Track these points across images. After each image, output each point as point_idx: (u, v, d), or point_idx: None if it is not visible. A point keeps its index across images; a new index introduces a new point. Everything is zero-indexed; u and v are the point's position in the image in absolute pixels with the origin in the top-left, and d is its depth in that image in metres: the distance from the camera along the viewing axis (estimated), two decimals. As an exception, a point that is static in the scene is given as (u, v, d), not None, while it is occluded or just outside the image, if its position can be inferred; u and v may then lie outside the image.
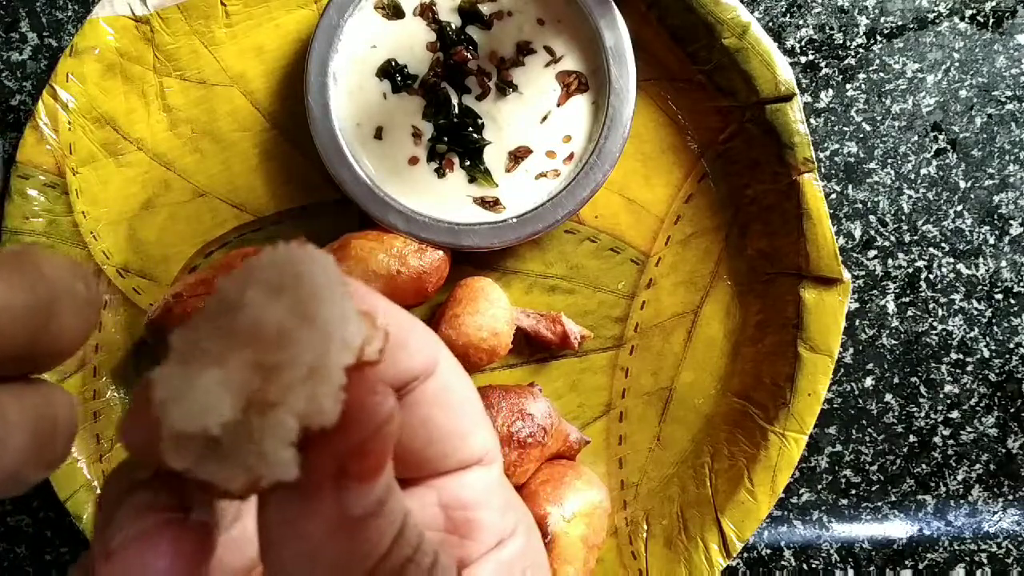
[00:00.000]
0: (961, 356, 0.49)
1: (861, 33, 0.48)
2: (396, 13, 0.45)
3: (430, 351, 0.24)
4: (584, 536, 0.43)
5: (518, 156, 0.45)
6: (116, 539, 0.18)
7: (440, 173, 0.45)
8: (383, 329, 0.19)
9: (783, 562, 0.50)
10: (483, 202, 0.45)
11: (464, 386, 0.26)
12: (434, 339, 0.25)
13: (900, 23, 0.48)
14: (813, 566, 0.50)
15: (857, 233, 0.49)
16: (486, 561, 0.24)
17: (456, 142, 0.45)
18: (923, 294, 0.49)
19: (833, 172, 0.49)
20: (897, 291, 0.49)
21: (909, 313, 0.49)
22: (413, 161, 0.45)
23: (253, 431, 0.16)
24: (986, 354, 0.49)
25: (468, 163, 0.45)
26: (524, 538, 0.26)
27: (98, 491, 0.46)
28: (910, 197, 0.49)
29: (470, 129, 0.45)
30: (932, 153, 0.49)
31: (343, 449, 0.17)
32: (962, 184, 0.49)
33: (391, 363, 0.22)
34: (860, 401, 0.50)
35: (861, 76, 0.48)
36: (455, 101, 0.45)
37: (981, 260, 0.49)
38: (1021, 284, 0.49)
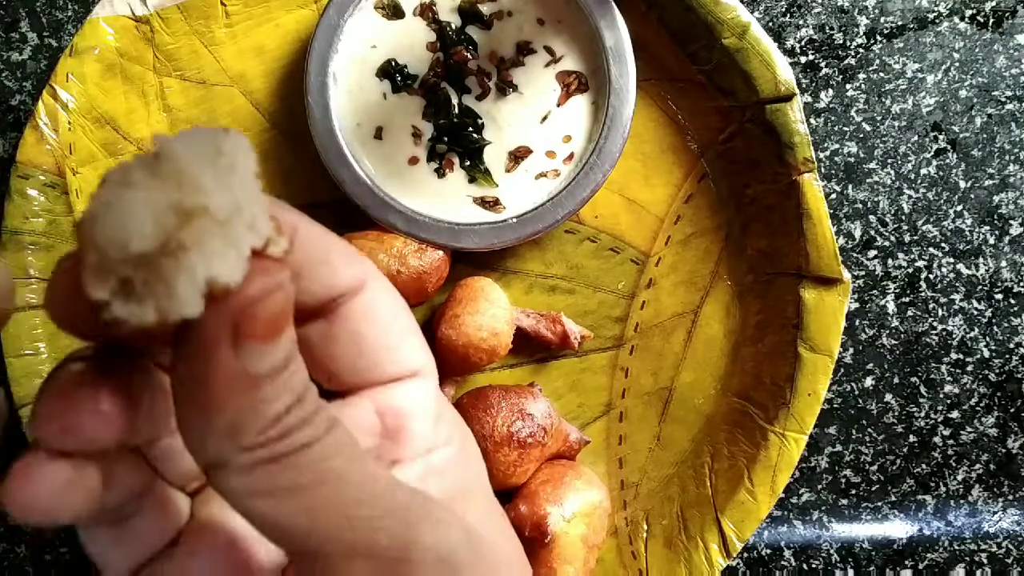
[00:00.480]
0: (961, 356, 0.49)
1: (861, 33, 0.48)
2: (396, 13, 0.45)
3: (355, 270, 0.26)
4: (584, 536, 0.43)
5: (518, 156, 0.45)
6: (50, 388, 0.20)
7: (440, 173, 0.45)
8: (288, 237, 0.21)
9: (783, 562, 0.50)
10: (483, 202, 0.45)
11: (393, 304, 0.28)
12: (360, 259, 0.27)
13: (900, 23, 0.48)
14: (813, 566, 0.50)
15: (857, 233, 0.49)
16: (414, 463, 0.26)
17: (456, 142, 0.45)
18: (923, 294, 0.49)
19: (833, 172, 0.49)
20: (897, 291, 0.49)
21: (909, 313, 0.49)
22: (413, 161, 0.45)
23: (165, 269, 0.18)
24: (986, 354, 0.49)
25: (468, 163, 0.45)
26: (458, 448, 0.28)
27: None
28: (910, 197, 0.49)
29: (470, 129, 0.45)
30: (932, 153, 0.49)
31: (237, 306, 0.19)
32: (962, 184, 0.49)
33: (314, 277, 0.25)
34: (860, 401, 0.50)
35: (861, 76, 0.48)
36: (455, 101, 0.45)
37: (981, 260, 0.49)
38: (1021, 284, 0.49)
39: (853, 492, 0.50)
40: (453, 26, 0.45)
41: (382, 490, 0.22)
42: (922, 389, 0.50)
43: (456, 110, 0.45)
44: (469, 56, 0.45)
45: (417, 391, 0.28)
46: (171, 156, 0.19)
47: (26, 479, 0.20)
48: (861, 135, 0.49)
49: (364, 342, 0.26)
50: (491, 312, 0.44)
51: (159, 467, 0.25)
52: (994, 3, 0.48)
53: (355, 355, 0.26)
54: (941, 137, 0.49)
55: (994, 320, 0.49)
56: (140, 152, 0.47)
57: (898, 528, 0.50)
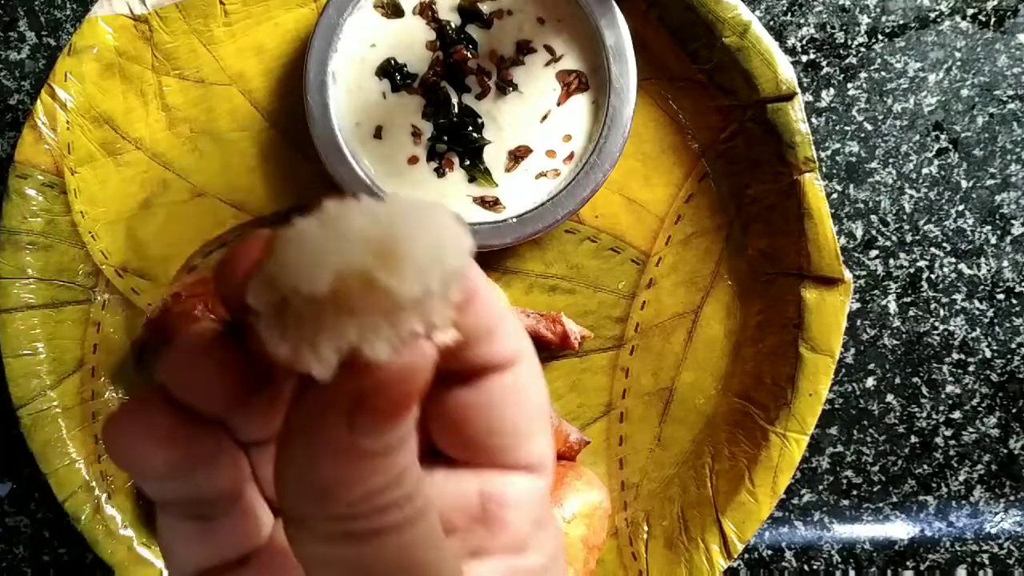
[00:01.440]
0: (963, 356, 0.49)
1: (862, 32, 0.48)
2: (395, 12, 0.45)
3: (514, 346, 0.24)
4: (584, 537, 0.43)
5: (518, 156, 0.45)
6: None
7: (440, 172, 0.45)
8: (458, 330, 0.21)
9: (784, 563, 0.50)
10: (483, 202, 0.45)
11: (537, 391, 0.26)
12: (522, 336, 0.25)
13: (902, 22, 0.48)
14: (814, 567, 0.50)
15: (858, 233, 0.49)
16: (499, 559, 0.25)
17: (456, 141, 0.45)
18: (925, 294, 0.49)
19: (834, 171, 0.49)
20: (899, 291, 0.49)
21: (911, 313, 0.49)
22: (413, 160, 0.45)
23: (322, 319, 0.18)
24: (988, 354, 0.49)
25: (468, 163, 0.45)
26: (547, 560, 0.26)
27: (96, 492, 0.46)
28: (912, 197, 0.49)
29: (470, 128, 0.45)
30: (934, 152, 0.49)
31: (369, 384, 0.18)
32: (964, 184, 0.49)
33: (473, 348, 0.23)
34: (861, 401, 0.49)
35: (862, 75, 0.48)
36: (455, 100, 0.45)
37: (983, 260, 0.49)
38: (1023, 284, 0.49)
39: (854, 493, 0.50)
40: (453, 25, 0.45)
41: None
42: (924, 389, 0.49)
43: (456, 109, 0.45)
44: (469, 55, 0.45)
45: (529, 487, 0.26)
46: (391, 222, 0.18)
47: (136, 414, 0.20)
48: (862, 134, 0.48)
49: (497, 421, 0.25)
50: (491, 312, 0.43)
51: (259, 474, 0.24)
52: (996, 2, 0.48)
53: (483, 432, 0.25)
54: (943, 136, 0.49)
55: (996, 320, 0.49)
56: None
57: (899, 529, 0.50)
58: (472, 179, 0.45)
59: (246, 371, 0.20)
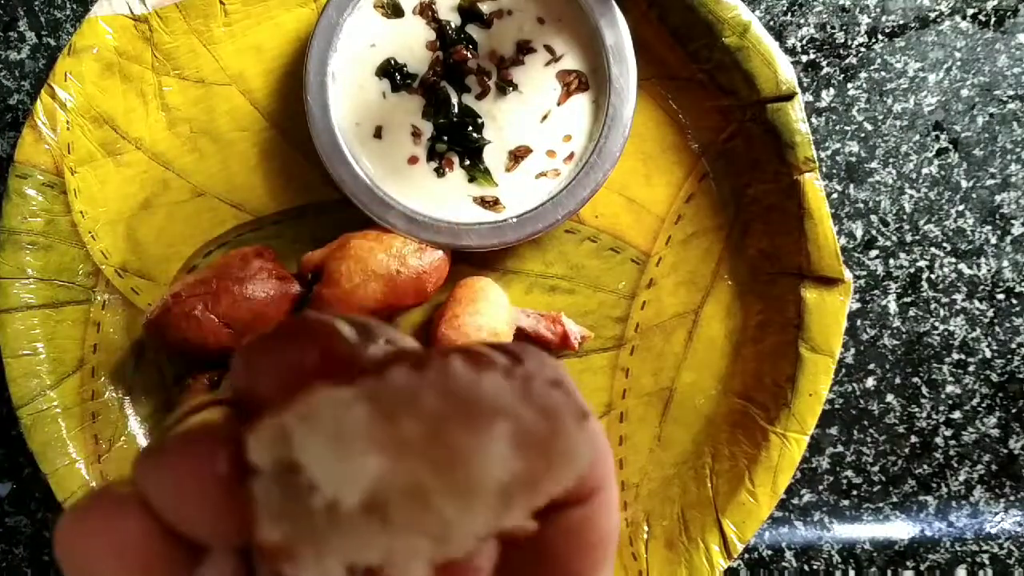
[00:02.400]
0: (963, 356, 0.49)
1: (862, 32, 0.48)
2: (395, 12, 0.45)
3: (595, 482, 0.20)
4: (584, 537, 0.43)
5: (518, 155, 0.45)
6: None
7: (440, 172, 0.45)
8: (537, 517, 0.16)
9: (784, 563, 0.50)
10: (483, 202, 0.45)
11: (607, 526, 0.21)
12: (607, 467, 0.20)
13: (902, 22, 0.48)
14: (814, 567, 0.50)
15: (858, 233, 0.49)
16: None
17: (456, 141, 0.45)
18: (925, 294, 0.49)
19: (834, 171, 0.49)
20: (899, 291, 0.49)
21: (911, 313, 0.49)
22: (413, 160, 0.45)
23: (338, 523, 0.13)
24: (988, 354, 0.49)
25: (468, 162, 0.45)
26: None
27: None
28: (912, 197, 0.49)
29: (470, 128, 0.45)
30: (934, 152, 0.49)
31: None
32: (964, 184, 0.49)
33: (556, 482, 0.18)
34: (861, 401, 0.49)
35: (862, 75, 0.48)
36: (455, 100, 0.45)
37: (983, 260, 0.49)
38: (1023, 284, 0.49)
39: (854, 493, 0.50)
40: (453, 25, 0.45)
41: None
42: (924, 389, 0.49)
43: (456, 109, 0.45)
44: (469, 55, 0.45)
45: None
46: (471, 414, 0.13)
47: (101, 520, 0.16)
48: (862, 134, 0.48)
49: (557, 559, 0.20)
50: (491, 312, 0.44)
51: None
52: (996, 2, 0.48)
53: (537, 568, 0.20)
54: (943, 136, 0.49)
55: (996, 320, 0.49)
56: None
57: (900, 529, 0.50)
58: (472, 179, 0.45)
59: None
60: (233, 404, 0.16)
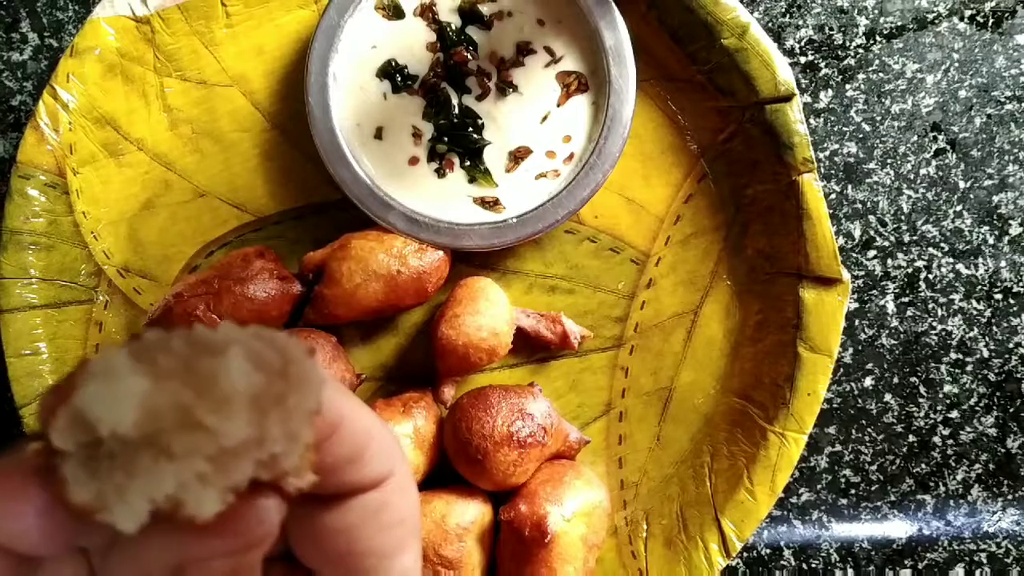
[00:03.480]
0: (960, 356, 0.49)
1: (860, 33, 0.48)
2: (396, 13, 0.45)
3: (384, 467, 0.23)
4: (584, 536, 0.43)
5: (518, 156, 0.45)
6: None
7: (440, 173, 0.45)
8: (318, 466, 0.19)
9: (783, 562, 0.50)
10: (483, 202, 0.46)
11: (405, 506, 0.25)
12: (394, 451, 0.24)
13: (899, 23, 0.48)
14: (813, 566, 0.50)
15: (856, 233, 0.49)
16: None
17: (456, 142, 0.45)
18: (922, 294, 0.49)
19: (833, 172, 0.49)
20: (896, 291, 0.49)
21: (908, 313, 0.49)
22: (413, 161, 0.45)
23: (133, 465, 0.15)
24: (985, 354, 0.49)
25: (468, 163, 0.45)
26: None
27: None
28: (909, 197, 0.49)
29: (470, 129, 0.45)
30: (931, 153, 0.49)
31: (191, 553, 0.16)
32: (961, 184, 0.49)
33: (340, 473, 0.22)
34: (859, 401, 0.50)
35: (860, 76, 0.48)
36: (455, 101, 0.45)
37: (980, 260, 0.49)
38: (1020, 284, 0.49)
39: (852, 492, 0.50)
40: (453, 26, 0.45)
41: None
42: (921, 389, 0.50)
43: (456, 110, 0.45)
44: (469, 56, 0.45)
45: None
46: (218, 352, 0.16)
47: None
48: (861, 135, 0.49)
49: (360, 542, 0.23)
50: (491, 312, 0.44)
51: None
52: (993, 3, 0.48)
53: (345, 552, 0.23)
54: (940, 137, 0.49)
55: (993, 320, 0.49)
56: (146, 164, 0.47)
57: (897, 528, 0.50)
58: (472, 179, 0.45)
59: (68, 516, 0.17)
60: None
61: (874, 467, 0.50)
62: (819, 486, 0.50)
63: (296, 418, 0.17)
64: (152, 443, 0.15)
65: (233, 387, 0.16)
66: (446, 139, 0.45)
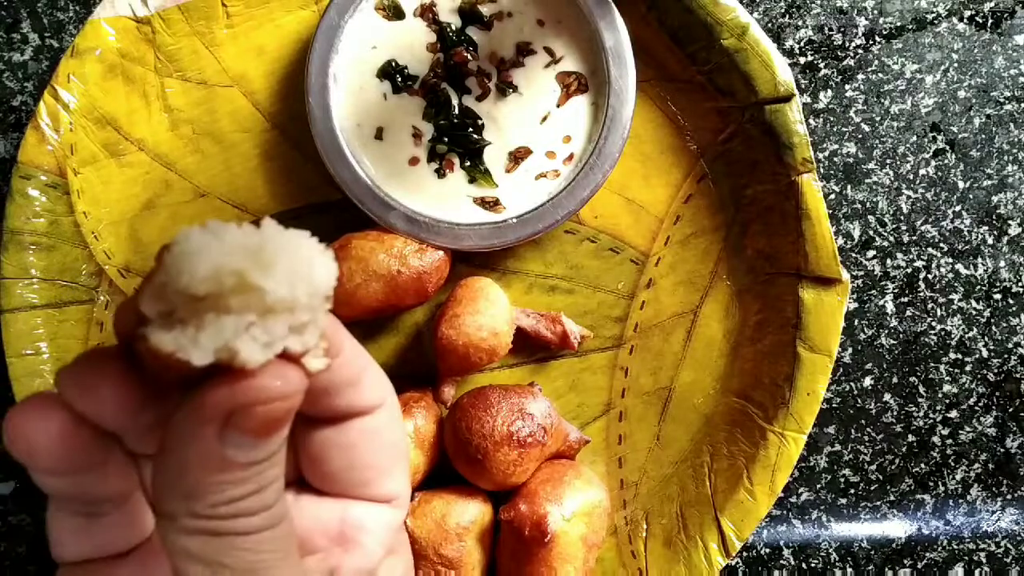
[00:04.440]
0: (960, 356, 0.50)
1: (860, 34, 0.48)
2: (396, 14, 0.45)
3: (378, 394, 0.28)
4: (584, 535, 0.43)
5: (518, 156, 0.46)
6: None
7: (440, 173, 0.46)
8: (330, 358, 0.23)
9: (782, 561, 0.50)
10: (483, 202, 0.46)
11: (396, 433, 0.30)
12: (385, 384, 0.29)
13: (899, 24, 0.48)
14: (812, 565, 0.50)
15: (856, 233, 0.49)
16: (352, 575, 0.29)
17: (456, 142, 0.45)
18: (922, 294, 0.49)
19: (832, 172, 0.49)
20: (896, 291, 0.49)
21: (908, 313, 0.49)
22: (413, 161, 0.45)
23: (203, 316, 0.20)
24: (985, 354, 0.50)
25: (468, 163, 0.46)
26: None
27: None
28: (909, 197, 0.49)
29: (470, 130, 0.45)
30: (931, 153, 0.49)
31: (239, 397, 0.21)
32: (961, 184, 0.49)
33: (340, 395, 0.27)
34: (859, 401, 0.50)
35: (860, 77, 0.49)
36: (455, 102, 0.45)
37: (980, 260, 0.49)
38: (1019, 284, 0.49)
39: (852, 491, 0.50)
40: (453, 27, 0.45)
41: None
42: (921, 389, 0.50)
43: (456, 111, 0.45)
44: (469, 57, 0.45)
45: (385, 517, 0.30)
46: (265, 235, 0.21)
47: (36, 411, 0.22)
48: (860, 135, 0.49)
49: (359, 458, 0.28)
50: (491, 312, 0.44)
51: (145, 480, 0.26)
52: (993, 4, 0.48)
53: (347, 466, 0.28)
54: (940, 137, 0.49)
55: (992, 320, 0.49)
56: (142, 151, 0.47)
57: (897, 527, 0.50)
58: (472, 180, 0.46)
59: (138, 390, 0.22)
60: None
61: (873, 467, 0.50)
62: (818, 486, 0.50)
63: (318, 295, 0.22)
64: (215, 304, 0.20)
65: (275, 255, 0.20)
66: (446, 139, 0.45)
